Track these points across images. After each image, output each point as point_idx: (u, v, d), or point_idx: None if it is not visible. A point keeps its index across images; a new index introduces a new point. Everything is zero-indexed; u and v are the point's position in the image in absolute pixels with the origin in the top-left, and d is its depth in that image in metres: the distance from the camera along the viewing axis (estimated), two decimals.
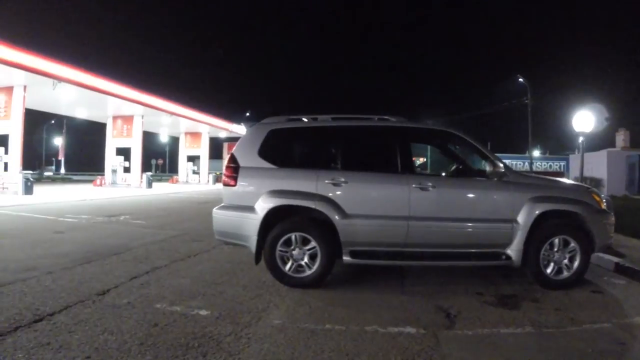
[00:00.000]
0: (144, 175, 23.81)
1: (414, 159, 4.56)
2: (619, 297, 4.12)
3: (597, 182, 20.65)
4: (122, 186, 23.94)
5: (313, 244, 4.13)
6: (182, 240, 6.74)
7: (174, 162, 45.89)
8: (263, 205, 4.16)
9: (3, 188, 15.92)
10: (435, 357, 2.68)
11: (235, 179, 4.34)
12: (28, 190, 15.32)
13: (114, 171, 24.85)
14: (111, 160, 25.12)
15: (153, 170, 50.77)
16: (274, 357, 2.66)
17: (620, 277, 4.86)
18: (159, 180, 35.10)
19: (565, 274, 4.24)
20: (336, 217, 4.12)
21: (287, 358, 2.66)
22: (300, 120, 4.73)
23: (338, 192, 4.20)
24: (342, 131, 4.60)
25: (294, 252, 4.16)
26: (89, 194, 17.24)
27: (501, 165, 4.28)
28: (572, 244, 4.21)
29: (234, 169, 4.36)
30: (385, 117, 4.67)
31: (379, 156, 4.72)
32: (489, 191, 4.30)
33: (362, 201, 4.24)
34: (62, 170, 50.33)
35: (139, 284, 4.15)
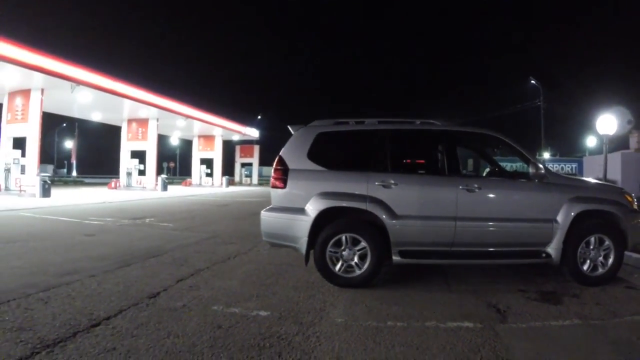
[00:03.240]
0: (159, 178, 23.89)
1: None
2: None
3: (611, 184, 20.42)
4: (137, 189, 24.08)
5: (363, 244, 4.14)
6: (215, 243, 6.72)
7: (185, 165, 46.13)
8: (314, 207, 4.17)
9: (21, 191, 16.07)
10: (499, 348, 2.79)
11: (284, 181, 4.33)
12: (45, 192, 15.36)
13: (129, 174, 25.01)
14: (126, 163, 25.28)
15: (165, 172, 51.00)
16: (348, 354, 2.67)
17: None
18: (171, 183, 35.22)
19: (600, 270, 4.38)
20: (387, 218, 4.14)
21: (361, 354, 2.67)
22: (348, 123, 4.73)
23: (388, 194, 4.23)
24: (391, 134, 4.58)
25: (344, 253, 4.17)
26: (106, 197, 17.37)
27: (542, 167, 4.39)
28: (607, 242, 4.35)
29: (283, 171, 4.36)
30: (430, 120, 4.74)
31: (426, 159, 4.90)
32: (531, 192, 4.41)
33: (411, 203, 4.27)
34: (74, 173, 50.64)
35: (188, 287, 4.11)
